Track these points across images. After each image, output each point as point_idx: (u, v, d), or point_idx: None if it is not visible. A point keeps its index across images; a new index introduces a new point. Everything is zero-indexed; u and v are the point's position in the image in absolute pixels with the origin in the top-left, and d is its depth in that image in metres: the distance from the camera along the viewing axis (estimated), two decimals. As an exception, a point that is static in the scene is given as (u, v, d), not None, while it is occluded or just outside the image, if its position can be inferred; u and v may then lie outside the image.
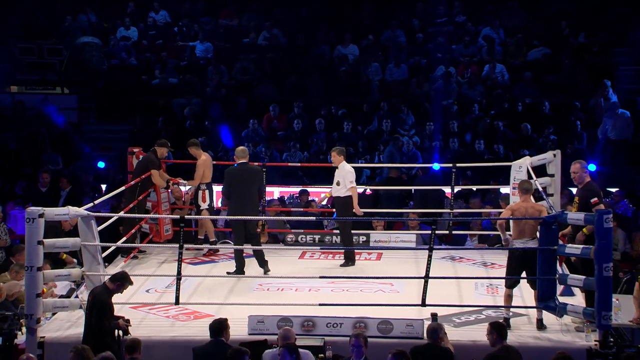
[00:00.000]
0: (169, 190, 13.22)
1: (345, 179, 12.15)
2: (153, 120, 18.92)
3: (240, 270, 11.79)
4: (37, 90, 19.97)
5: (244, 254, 12.04)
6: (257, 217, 13.53)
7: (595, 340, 9.43)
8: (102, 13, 21.84)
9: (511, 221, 10.30)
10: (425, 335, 9.28)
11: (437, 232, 10.46)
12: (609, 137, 17.63)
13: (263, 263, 11.82)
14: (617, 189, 15.57)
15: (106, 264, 11.13)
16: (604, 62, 19.55)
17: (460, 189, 14.90)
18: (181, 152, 14.58)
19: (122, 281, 9.58)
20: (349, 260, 12.31)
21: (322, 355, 9.27)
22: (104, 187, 16.72)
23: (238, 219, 11.81)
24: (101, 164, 17.58)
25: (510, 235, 10.28)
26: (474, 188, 15.25)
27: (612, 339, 9.42)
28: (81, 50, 20.64)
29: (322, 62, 20.37)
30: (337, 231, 13.56)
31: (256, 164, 14.28)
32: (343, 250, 12.48)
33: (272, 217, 13.86)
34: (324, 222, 14.23)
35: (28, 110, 19.41)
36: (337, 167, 12.34)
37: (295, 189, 15.62)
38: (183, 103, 19.54)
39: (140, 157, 13.07)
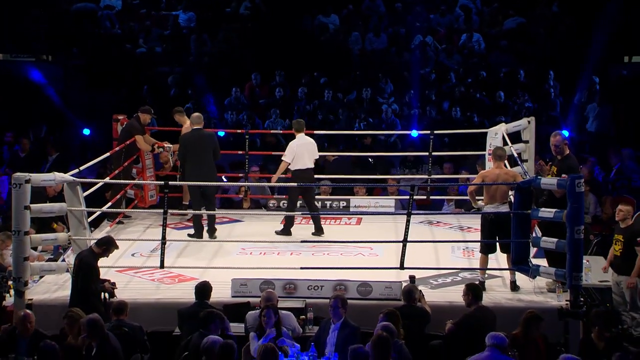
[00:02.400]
0: (154, 154, 13.31)
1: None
2: (138, 89, 19.01)
3: (199, 234, 11.99)
4: (23, 58, 19.99)
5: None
6: (239, 184, 13.79)
7: (566, 300, 9.64)
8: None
9: (483, 187, 10.45)
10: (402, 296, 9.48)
11: (415, 197, 10.62)
12: (589, 131, 17.68)
13: (212, 229, 12.05)
14: (591, 156, 15.75)
15: (92, 229, 11.27)
16: (577, 31, 19.72)
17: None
18: (165, 119, 14.72)
19: (107, 245, 9.71)
20: (286, 230, 12.26)
21: (303, 316, 9.45)
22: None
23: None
24: (86, 131, 17.64)
25: (482, 201, 10.51)
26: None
27: (582, 299, 9.64)
28: (75, 16, 20.67)
29: (304, 31, 20.45)
30: (319, 196, 13.80)
31: (239, 131, 14.51)
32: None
33: (253, 184, 14.03)
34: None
35: (14, 78, 19.43)
36: None
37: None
38: (167, 72, 19.65)
39: (125, 124, 13.23)
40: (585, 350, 8.61)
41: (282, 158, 12.20)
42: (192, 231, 12.06)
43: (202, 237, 11.94)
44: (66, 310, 9.06)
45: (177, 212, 12.81)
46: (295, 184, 12.06)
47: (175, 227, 12.70)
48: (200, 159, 11.97)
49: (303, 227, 12.63)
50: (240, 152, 13.88)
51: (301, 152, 12.14)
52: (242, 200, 13.70)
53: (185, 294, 9.82)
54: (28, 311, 8.99)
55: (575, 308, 9.45)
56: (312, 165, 12.29)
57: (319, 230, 12.26)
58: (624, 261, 10.39)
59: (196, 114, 12.43)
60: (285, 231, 12.24)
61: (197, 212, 11.90)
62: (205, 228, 12.02)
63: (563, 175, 10.02)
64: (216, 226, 12.17)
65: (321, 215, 12.57)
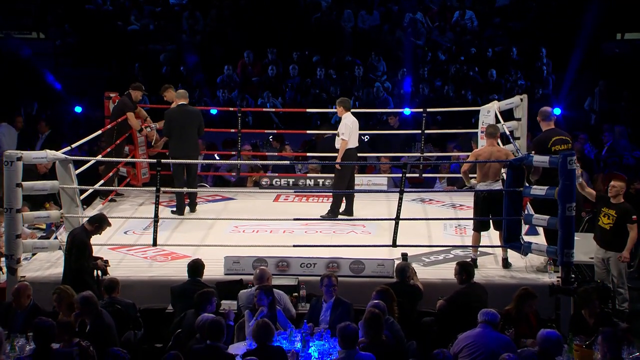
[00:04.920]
0: (143, 134, 13.30)
1: (339, 131, 11.97)
2: (129, 66, 18.95)
3: (180, 210, 12.07)
4: (13, 35, 19.86)
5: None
6: (232, 162, 13.78)
7: (557, 277, 9.71)
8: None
9: (476, 165, 10.45)
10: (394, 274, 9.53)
11: (407, 175, 10.62)
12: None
13: (194, 205, 12.17)
14: (582, 133, 15.79)
15: (84, 207, 11.27)
16: (571, 8, 19.66)
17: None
18: (157, 97, 14.67)
19: (100, 223, 9.71)
20: (332, 212, 12.04)
21: (296, 294, 9.49)
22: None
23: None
24: (78, 109, 17.57)
25: (474, 179, 10.51)
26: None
27: (573, 275, 9.69)
28: None
29: (296, 9, 20.36)
30: (310, 174, 13.81)
31: (231, 109, 14.45)
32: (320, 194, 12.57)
33: (245, 162, 14.01)
34: (298, 166, 14.41)
35: (4, 55, 19.32)
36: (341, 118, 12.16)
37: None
38: (159, 49, 19.57)
39: (116, 101, 13.18)
40: (575, 325, 8.64)
41: (342, 137, 11.86)
42: (205, 210, 12.17)
43: (183, 214, 12.01)
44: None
45: (169, 190, 12.80)
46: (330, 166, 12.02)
47: (168, 204, 12.66)
48: (184, 135, 12.00)
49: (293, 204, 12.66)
50: (232, 130, 13.87)
51: (354, 130, 11.97)
52: (247, 180, 13.78)
53: (178, 271, 9.83)
54: (26, 283, 8.98)
55: (566, 284, 9.49)
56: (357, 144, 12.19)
57: (348, 212, 12.10)
58: (614, 237, 10.40)
59: (182, 90, 12.39)
60: (333, 213, 11.98)
61: (180, 189, 11.99)
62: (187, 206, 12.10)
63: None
64: (209, 204, 12.18)
65: (313, 193, 12.55)
